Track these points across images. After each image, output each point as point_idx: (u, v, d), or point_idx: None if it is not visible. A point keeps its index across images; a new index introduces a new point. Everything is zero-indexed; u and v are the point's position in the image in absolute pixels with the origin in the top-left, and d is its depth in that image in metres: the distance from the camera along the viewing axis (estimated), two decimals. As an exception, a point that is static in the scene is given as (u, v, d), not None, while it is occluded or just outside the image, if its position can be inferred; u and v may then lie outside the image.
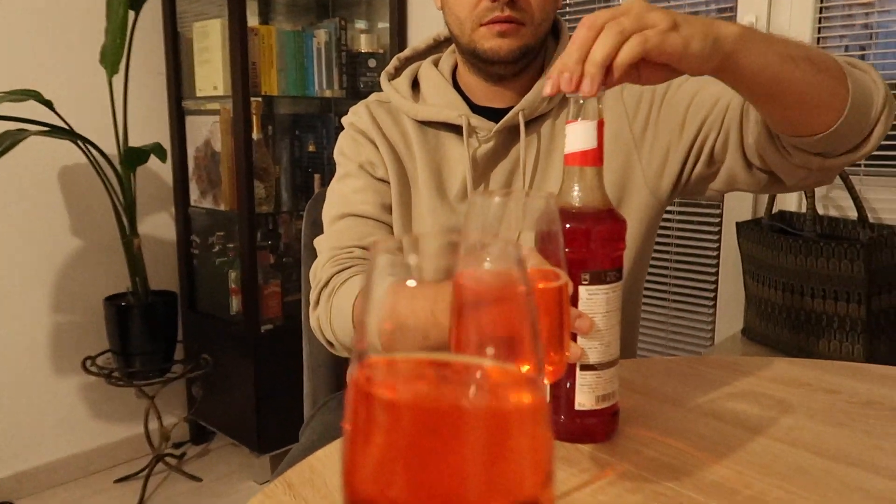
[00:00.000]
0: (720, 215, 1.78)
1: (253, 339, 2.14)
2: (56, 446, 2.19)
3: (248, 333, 2.14)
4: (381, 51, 2.38)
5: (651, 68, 0.64)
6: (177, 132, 2.31)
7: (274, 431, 2.18)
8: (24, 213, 2.07)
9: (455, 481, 0.27)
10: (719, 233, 1.78)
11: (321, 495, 0.58)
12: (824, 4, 1.59)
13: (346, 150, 1.02)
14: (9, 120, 1.81)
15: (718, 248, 1.79)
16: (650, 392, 0.77)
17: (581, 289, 0.59)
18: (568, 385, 0.62)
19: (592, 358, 0.61)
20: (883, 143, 0.86)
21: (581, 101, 0.60)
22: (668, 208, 1.19)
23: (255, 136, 2.10)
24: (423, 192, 0.97)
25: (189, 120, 2.30)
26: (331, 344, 0.94)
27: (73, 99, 2.08)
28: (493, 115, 0.96)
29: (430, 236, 0.31)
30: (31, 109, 1.87)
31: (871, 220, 1.41)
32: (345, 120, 1.04)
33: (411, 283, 0.30)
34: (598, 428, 0.64)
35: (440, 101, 0.98)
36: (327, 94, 2.29)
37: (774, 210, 1.53)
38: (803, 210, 1.53)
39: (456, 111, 0.96)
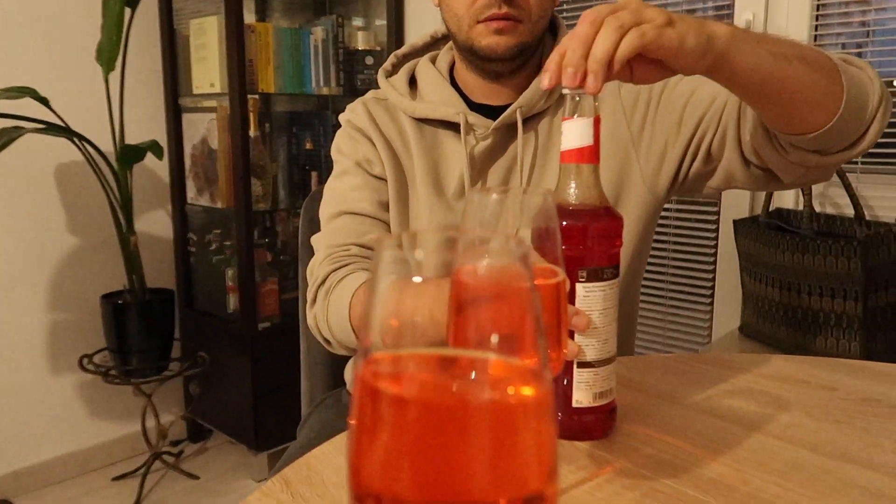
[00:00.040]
0: (717, 213, 1.78)
1: (250, 336, 2.13)
2: (53, 444, 2.18)
3: (245, 331, 2.14)
4: (378, 48, 2.38)
5: (644, 67, 0.65)
6: (173, 129, 2.30)
7: (271, 429, 2.18)
8: (21, 211, 2.07)
9: (462, 476, 0.27)
10: (716, 230, 1.79)
11: (318, 493, 0.58)
12: (821, 2, 1.59)
13: (343, 147, 1.02)
14: (4, 117, 1.80)
15: (716, 246, 1.79)
16: (647, 389, 0.77)
17: (578, 286, 0.59)
18: (565, 382, 0.62)
19: (590, 355, 0.61)
20: (880, 139, 0.86)
21: (577, 98, 0.60)
22: (666, 206, 1.19)
23: (252, 133, 2.10)
24: (421, 190, 0.97)
25: (186, 117, 2.30)
26: (328, 342, 0.94)
27: (70, 96, 2.08)
28: (490, 112, 0.96)
29: (430, 232, 0.31)
30: (26, 107, 1.86)
31: (867, 218, 1.41)
32: (342, 117, 1.04)
33: (417, 279, 0.30)
34: (595, 425, 0.64)
35: (438, 98, 0.98)
36: (324, 91, 2.29)
37: (771, 207, 1.53)
38: (800, 207, 1.53)
39: (453, 108, 0.96)
